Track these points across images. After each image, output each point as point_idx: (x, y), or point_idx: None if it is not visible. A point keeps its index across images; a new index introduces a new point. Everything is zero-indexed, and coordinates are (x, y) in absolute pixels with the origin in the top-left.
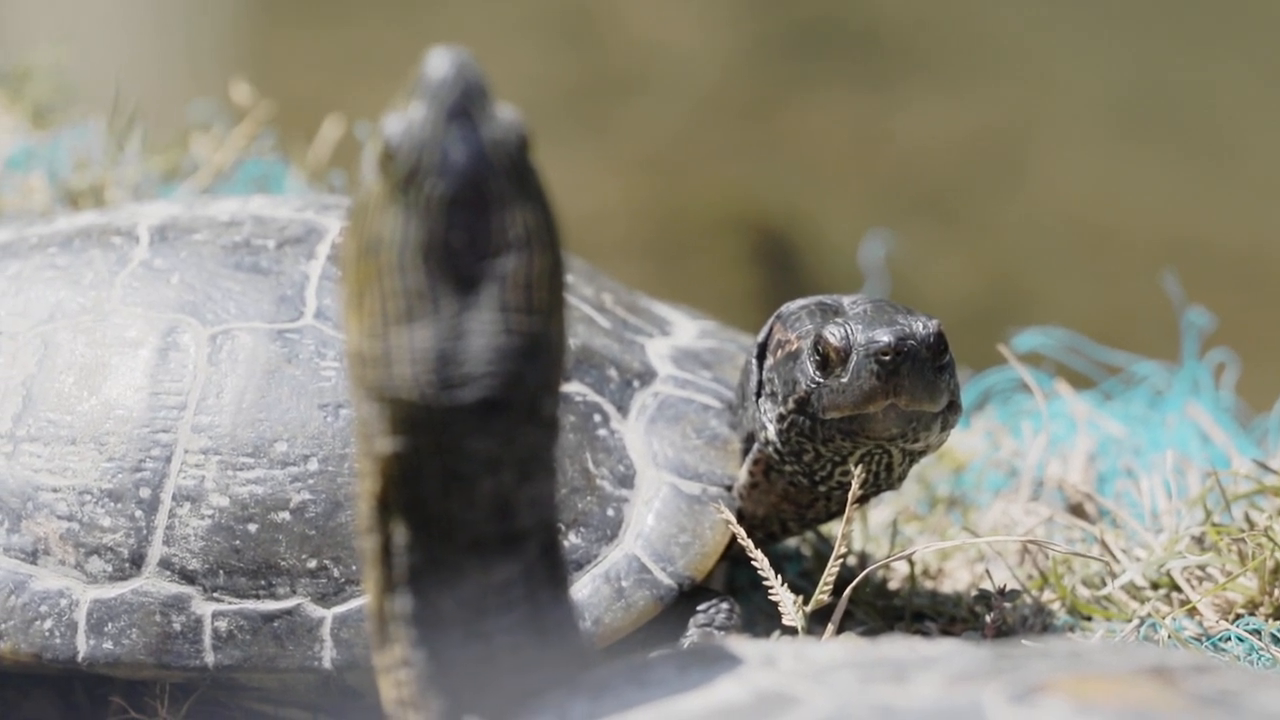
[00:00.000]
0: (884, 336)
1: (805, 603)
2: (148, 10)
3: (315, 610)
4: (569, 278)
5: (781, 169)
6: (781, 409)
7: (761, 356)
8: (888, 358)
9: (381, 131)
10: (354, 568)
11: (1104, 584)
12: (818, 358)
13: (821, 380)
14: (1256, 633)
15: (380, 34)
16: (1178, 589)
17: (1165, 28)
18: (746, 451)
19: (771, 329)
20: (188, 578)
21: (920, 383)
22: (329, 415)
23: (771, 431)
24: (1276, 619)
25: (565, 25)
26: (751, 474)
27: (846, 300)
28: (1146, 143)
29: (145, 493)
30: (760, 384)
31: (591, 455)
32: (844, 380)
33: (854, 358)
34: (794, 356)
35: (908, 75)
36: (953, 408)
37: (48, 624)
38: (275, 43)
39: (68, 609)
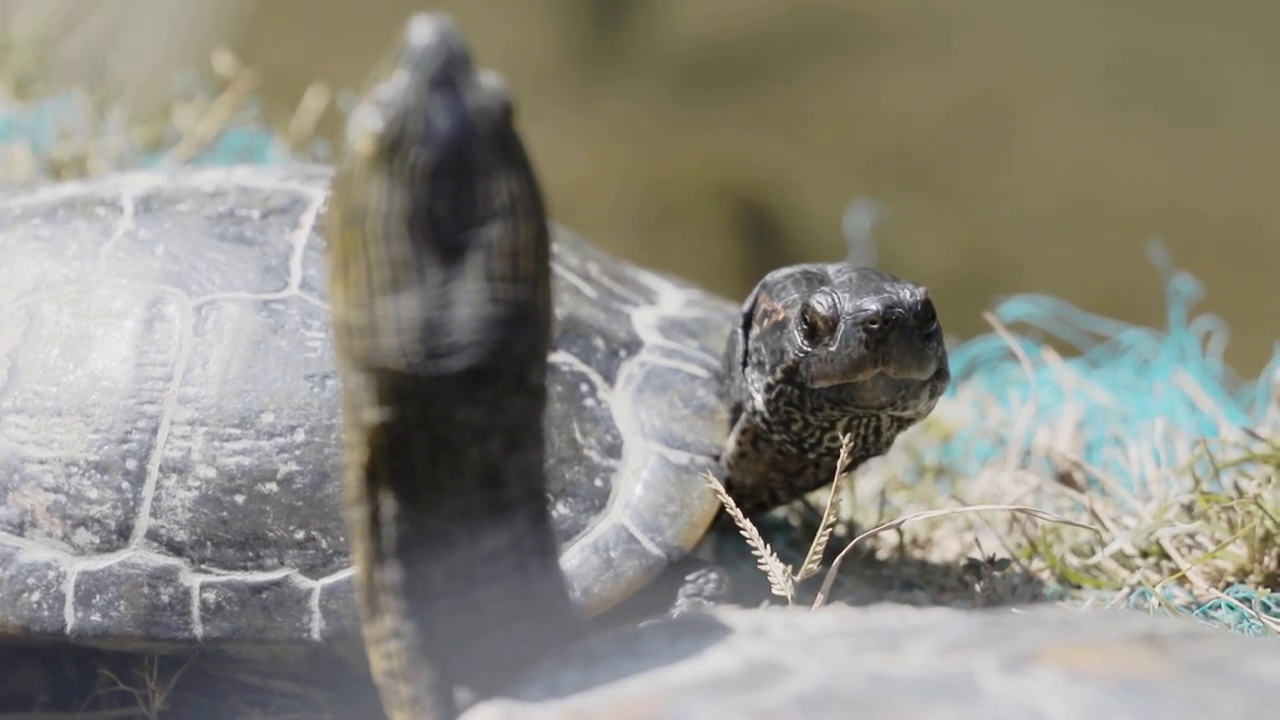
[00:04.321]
0: (872, 305)
1: (794, 572)
2: None
3: (303, 581)
4: (554, 246)
5: (765, 139)
6: (769, 378)
7: (747, 326)
8: (876, 326)
9: (365, 100)
10: (342, 539)
11: (1093, 552)
12: (805, 327)
13: (809, 349)
14: (1246, 600)
15: (363, 3)
16: (1167, 557)
17: None
18: (734, 421)
19: (757, 298)
20: (175, 549)
21: (908, 350)
22: (315, 386)
23: (759, 401)
24: (1266, 586)
25: None
26: (739, 443)
27: (832, 269)
28: (1133, 111)
29: (132, 464)
30: (746, 353)
31: (579, 425)
32: (832, 349)
33: (842, 326)
34: (781, 326)
35: (892, 44)
36: (940, 375)
37: (35, 596)
38: (258, 13)
39: (55, 581)
